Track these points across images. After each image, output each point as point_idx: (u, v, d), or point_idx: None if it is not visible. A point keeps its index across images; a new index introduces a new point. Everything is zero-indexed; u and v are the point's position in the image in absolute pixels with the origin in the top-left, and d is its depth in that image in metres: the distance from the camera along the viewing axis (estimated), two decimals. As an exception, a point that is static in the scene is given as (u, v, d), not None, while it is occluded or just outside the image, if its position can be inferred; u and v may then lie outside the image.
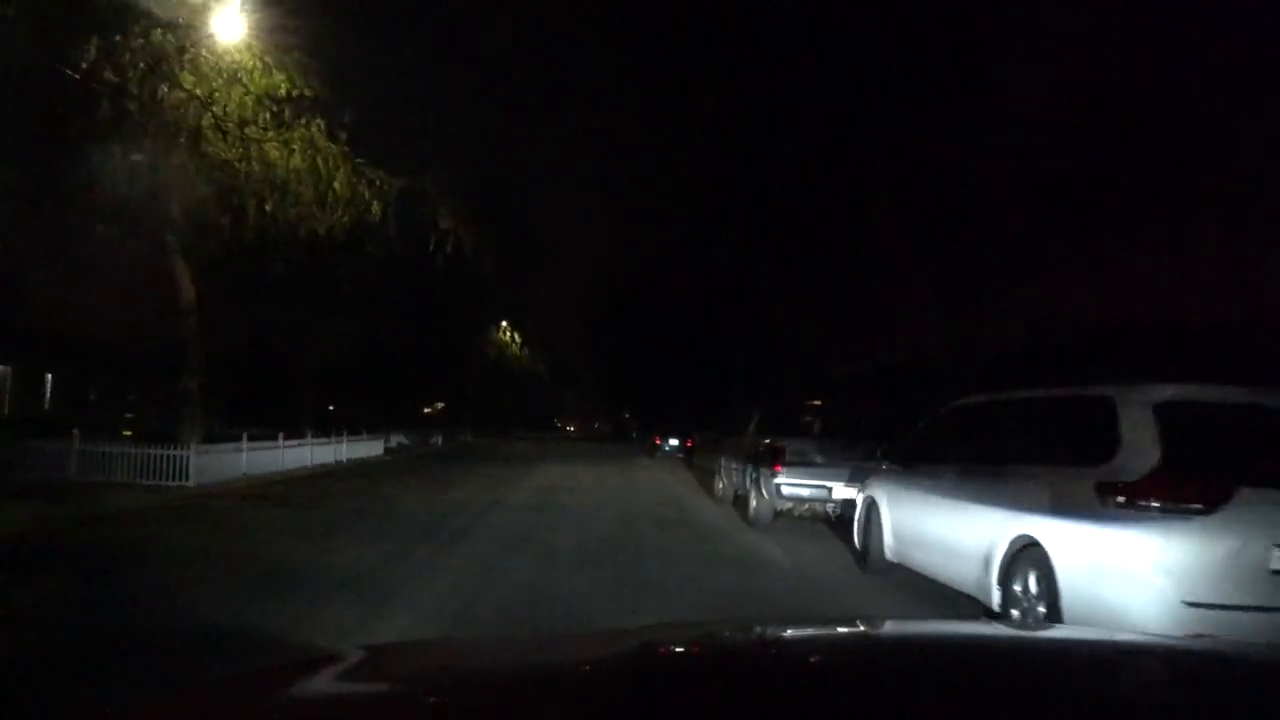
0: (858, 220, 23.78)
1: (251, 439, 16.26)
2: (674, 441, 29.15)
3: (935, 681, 1.21)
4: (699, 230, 30.35)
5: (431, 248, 17.59)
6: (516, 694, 1.13)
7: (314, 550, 7.25)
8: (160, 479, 13.08)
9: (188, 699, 1.21)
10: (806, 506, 9.26)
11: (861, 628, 1.88)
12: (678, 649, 1.52)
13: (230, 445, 15.15)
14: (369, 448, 24.33)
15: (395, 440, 32.09)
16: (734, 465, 11.30)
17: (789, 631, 1.78)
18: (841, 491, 8.81)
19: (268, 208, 15.09)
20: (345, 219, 15.80)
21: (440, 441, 37.20)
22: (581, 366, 63.85)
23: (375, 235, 17.67)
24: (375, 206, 15.85)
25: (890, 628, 1.93)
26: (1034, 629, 3.21)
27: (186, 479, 13.25)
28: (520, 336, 51.35)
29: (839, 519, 8.82)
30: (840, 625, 2.08)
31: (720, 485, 12.62)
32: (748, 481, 10.14)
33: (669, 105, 25.42)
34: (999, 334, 21.85)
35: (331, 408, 49.82)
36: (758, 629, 1.81)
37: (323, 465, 19.12)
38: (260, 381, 28.14)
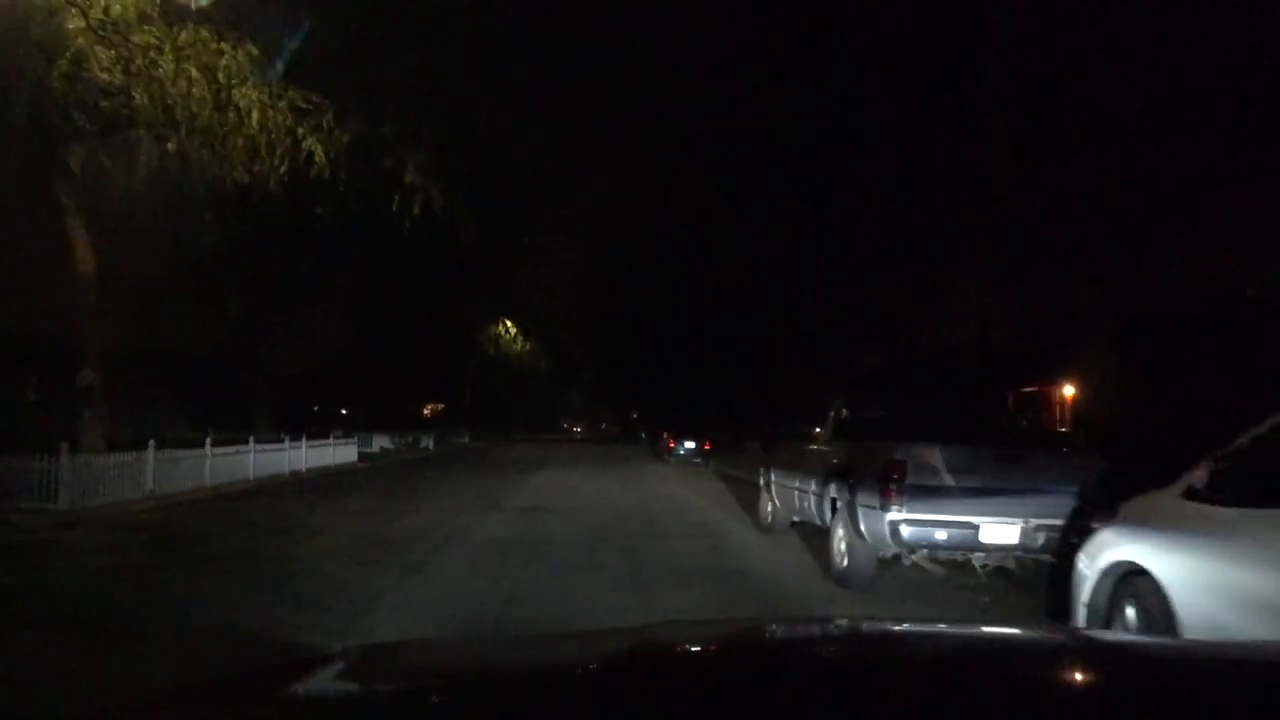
0: (901, 188, 20.33)
1: (170, 445, 12.96)
2: (690, 444, 25.74)
3: (936, 681, 1.21)
4: (712, 204, 26.86)
5: (395, 207, 14.35)
6: (515, 694, 1.14)
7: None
8: (25, 499, 9.85)
9: (186, 700, 1.19)
10: (932, 553, 5.87)
11: (863, 628, 1.86)
12: (676, 648, 1.53)
13: (131, 455, 11.81)
14: (341, 453, 20.98)
15: (378, 444, 28.77)
16: (796, 483, 7.87)
17: (788, 631, 1.79)
18: (996, 534, 5.40)
19: (170, 146, 11.82)
20: (280, 168, 12.57)
21: (431, 445, 33.86)
22: (586, 364, 60.40)
23: (325, 193, 14.50)
24: (318, 154, 12.62)
25: (891, 629, 1.87)
26: (1036, 630, 2.77)
27: (54, 500, 9.96)
28: (520, 332, 47.95)
29: (1003, 577, 5.41)
30: (841, 625, 1.98)
31: (769, 509, 9.21)
32: (827, 510, 6.74)
33: (684, 55, 21.98)
34: (1077, 314, 18.43)
35: (316, 408, 46.67)
36: (757, 629, 1.87)
37: (270, 477, 15.79)
38: (218, 379, 24.74)
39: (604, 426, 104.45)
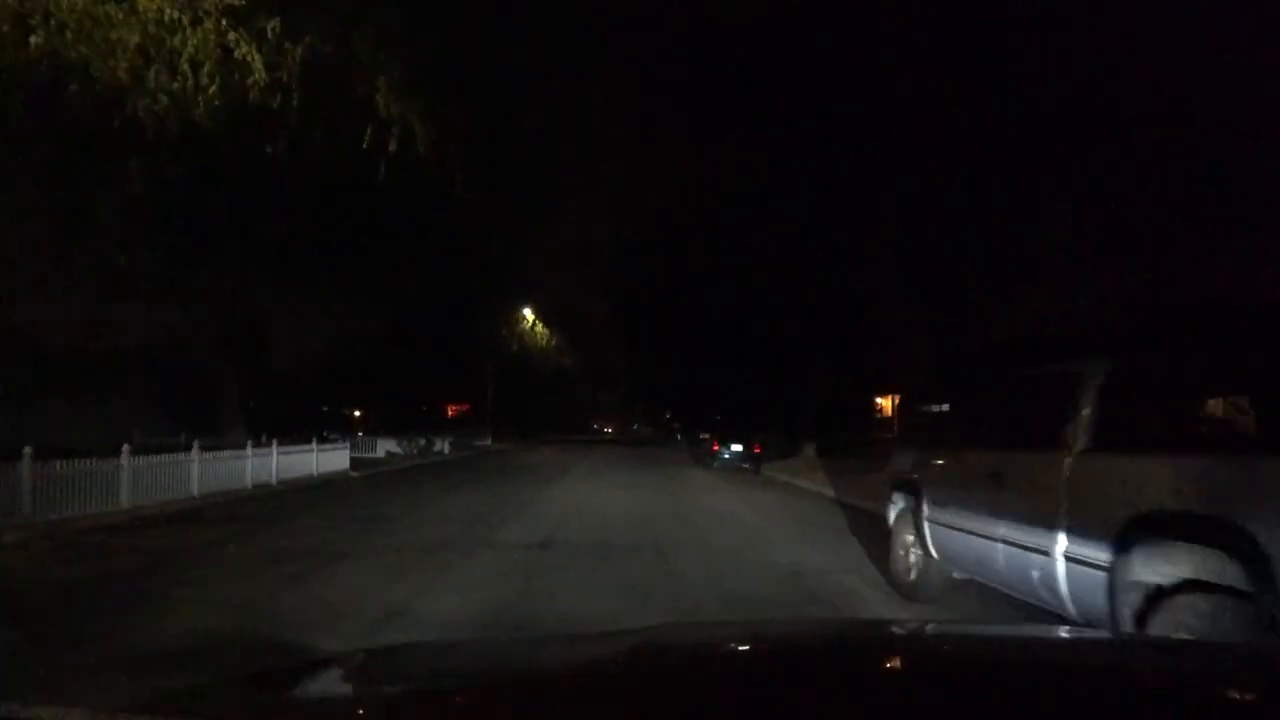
0: (985, 143, 16.49)
1: (67, 454, 9.78)
2: (737, 447, 22.18)
3: (936, 682, 1.21)
4: (756, 173, 23.20)
5: (365, 144, 11.06)
6: (517, 695, 1.14)
7: None
8: None
9: (191, 700, 1.17)
10: None
11: (863, 629, 1.94)
12: (677, 650, 1.51)
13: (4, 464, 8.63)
14: (328, 460, 17.77)
15: (384, 448, 25.63)
16: (1001, 527, 4.29)
17: (788, 632, 1.77)
18: None
19: (34, 39, 8.60)
20: (209, 88, 9.40)
21: (446, 449, 30.67)
22: (616, 360, 57.05)
23: (278, 128, 11.28)
24: (256, 65, 9.40)
25: (891, 629, 1.91)
26: (1039, 629, 2.76)
27: None
28: (546, 326, 44.64)
29: None
30: (841, 626, 2.08)
31: (912, 559, 5.66)
32: (1096, 585, 3.15)
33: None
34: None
35: (325, 409, 43.81)
36: (758, 629, 1.90)
37: (221, 493, 12.59)
38: (186, 377, 21.63)
39: (635, 427, 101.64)
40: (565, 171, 26.14)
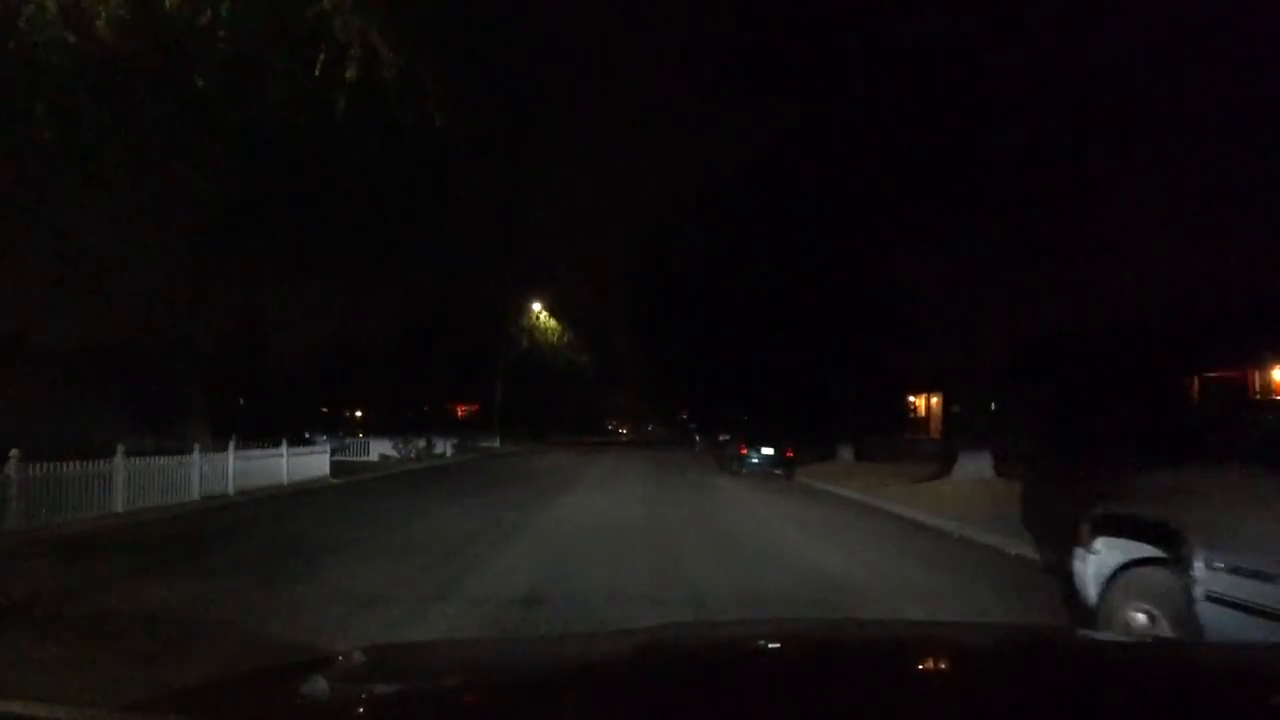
0: (1042, 115, 13.88)
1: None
2: (767, 450, 19.71)
3: (936, 681, 1.23)
4: (781, 145, 20.65)
5: (318, 70, 8.80)
6: (517, 695, 1.14)
7: None
8: None
9: (192, 699, 1.17)
10: None
11: (863, 629, 1.83)
12: (682, 649, 1.50)
13: None
14: (303, 466, 15.52)
15: (377, 451, 23.37)
16: None
17: (790, 632, 1.76)
18: None
19: None
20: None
21: (449, 451, 28.40)
22: (630, 358, 54.77)
23: (205, 53, 9.17)
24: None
25: (892, 630, 1.89)
26: (1034, 631, 2.67)
27: None
28: (557, 322, 42.29)
29: None
30: (841, 627, 1.96)
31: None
32: None
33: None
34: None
35: (324, 409, 41.67)
36: (760, 630, 1.87)
37: (160, 508, 10.36)
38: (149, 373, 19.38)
39: (649, 428, 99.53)
40: (580, 139, 23.68)
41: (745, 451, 19.98)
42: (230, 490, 12.56)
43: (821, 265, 22.37)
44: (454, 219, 20.33)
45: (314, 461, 16.06)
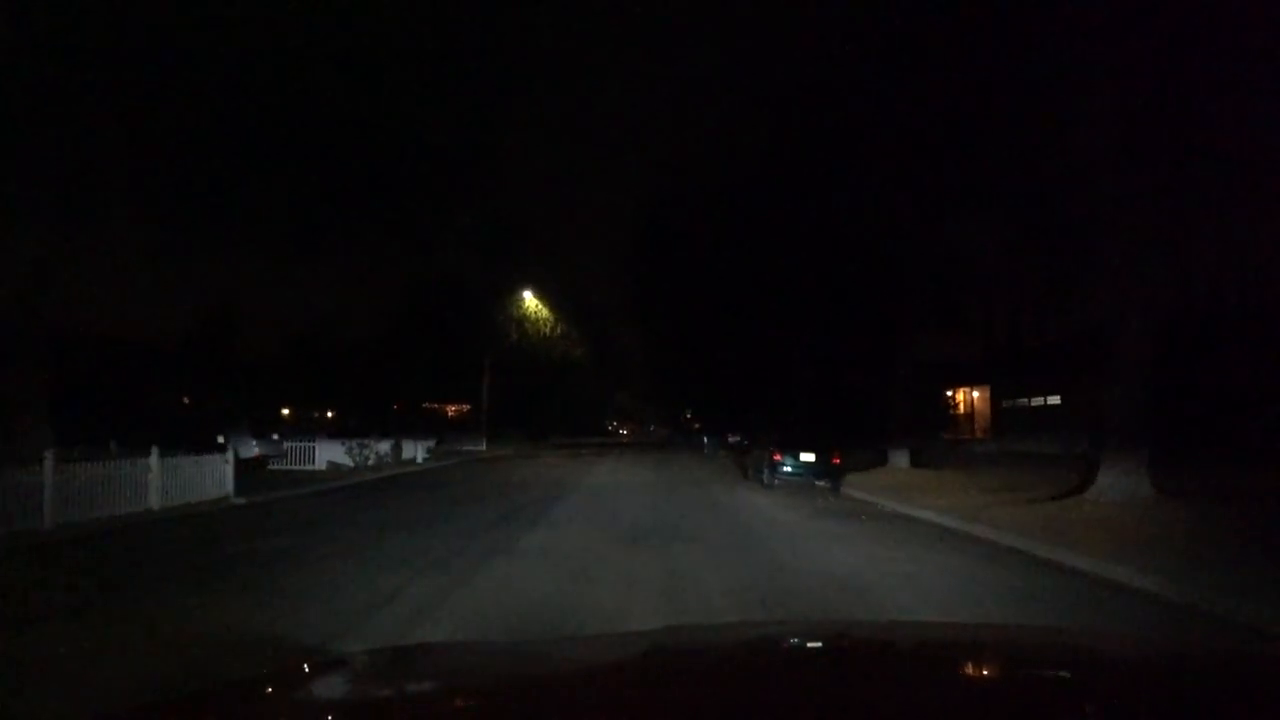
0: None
1: None
2: (807, 457, 15.57)
3: (936, 681, 1.19)
4: (798, 112, 16.88)
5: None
6: (524, 696, 1.12)
7: None
8: None
9: (199, 701, 1.16)
10: None
11: (863, 630, 1.81)
12: (685, 651, 1.50)
13: None
14: (194, 483, 11.41)
15: (325, 458, 19.25)
16: None
17: (792, 633, 1.76)
18: None
19: None
20: None
21: (422, 456, 24.31)
22: (631, 353, 50.69)
23: None
24: None
25: (892, 630, 1.85)
26: (1032, 632, 2.58)
27: None
28: (550, 310, 38.10)
29: None
30: (842, 627, 1.83)
31: None
32: None
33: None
34: None
35: (286, 411, 37.54)
36: (762, 631, 1.87)
37: None
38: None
39: (652, 428, 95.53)
40: (578, 89, 19.68)
41: (779, 458, 15.84)
42: (48, 523, 8.48)
43: (866, 232, 18.31)
44: (421, 173, 16.29)
45: (210, 476, 11.92)
